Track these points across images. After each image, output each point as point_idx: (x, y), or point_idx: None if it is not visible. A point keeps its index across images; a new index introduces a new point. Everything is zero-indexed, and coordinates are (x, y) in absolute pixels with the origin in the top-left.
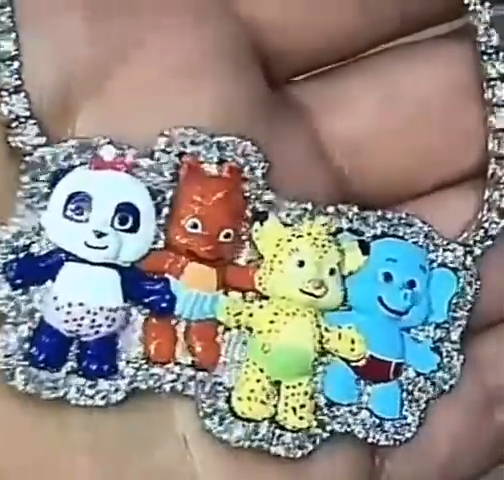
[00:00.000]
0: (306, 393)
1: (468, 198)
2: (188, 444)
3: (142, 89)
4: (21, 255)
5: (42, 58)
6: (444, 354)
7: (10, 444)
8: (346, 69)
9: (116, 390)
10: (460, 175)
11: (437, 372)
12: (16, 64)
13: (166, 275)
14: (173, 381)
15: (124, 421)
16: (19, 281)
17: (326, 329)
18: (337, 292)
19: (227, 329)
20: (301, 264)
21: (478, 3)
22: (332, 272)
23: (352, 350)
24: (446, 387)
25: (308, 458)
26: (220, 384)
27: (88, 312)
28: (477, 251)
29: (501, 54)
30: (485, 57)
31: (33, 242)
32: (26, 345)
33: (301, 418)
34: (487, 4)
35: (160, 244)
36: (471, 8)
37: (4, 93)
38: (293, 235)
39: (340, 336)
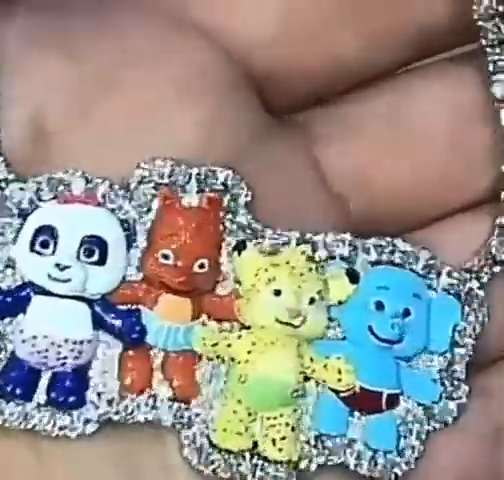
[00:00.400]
0: (287, 424)
1: (480, 223)
2: (176, 475)
3: (124, 120)
4: None
5: (16, 99)
6: (447, 384)
7: None
8: (353, 94)
9: (87, 421)
10: (473, 199)
11: (439, 403)
12: None
13: (139, 306)
14: (147, 413)
15: (107, 453)
16: None
17: (311, 359)
18: (318, 321)
19: (209, 359)
20: (278, 293)
21: (488, 20)
22: (312, 301)
23: (339, 380)
24: (449, 419)
25: None
26: (198, 415)
27: (53, 344)
28: (484, 277)
29: None
30: (493, 78)
31: (4, 276)
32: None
33: (280, 450)
34: (497, 21)
35: (140, 275)
36: (480, 24)
37: None
38: (271, 264)
39: (326, 366)
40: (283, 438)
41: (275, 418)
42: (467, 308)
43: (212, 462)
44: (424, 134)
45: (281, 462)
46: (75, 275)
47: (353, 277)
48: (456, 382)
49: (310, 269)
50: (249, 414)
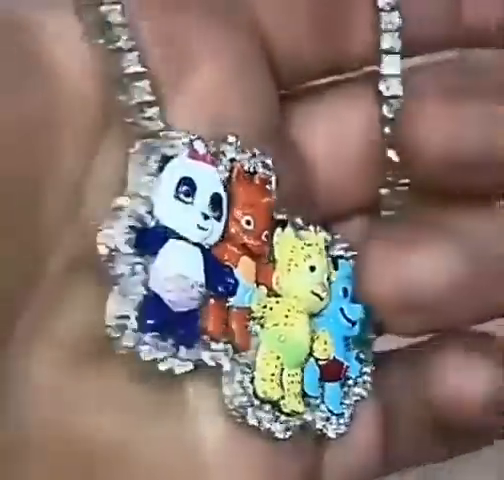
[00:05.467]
0: (299, 382)
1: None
2: (196, 414)
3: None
4: (139, 224)
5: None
6: (362, 361)
7: None
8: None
9: (187, 359)
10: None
11: (359, 378)
12: (136, 53)
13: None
14: (216, 358)
15: (135, 386)
16: (139, 249)
17: (312, 330)
18: (328, 298)
19: (255, 318)
20: (312, 269)
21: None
22: (328, 279)
23: (325, 350)
24: (365, 393)
25: (290, 440)
26: (248, 365)
27: (190, 285)
28: None
29: (393, 101)
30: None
31: (146, 215)
32: (137, 310)
33: (299, 403)
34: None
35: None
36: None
37: (127, 80)
38: (305, 243)
39: (318, 337)
40: (298, 393)
41: (293, 375)
42: None
43: (254, 410)
44: (338, 143)
45: (290, 414)
46: (211, 225)
47: (335, 265)
48: (366, 362)
49: (325, 253)
50: (281, 370)
